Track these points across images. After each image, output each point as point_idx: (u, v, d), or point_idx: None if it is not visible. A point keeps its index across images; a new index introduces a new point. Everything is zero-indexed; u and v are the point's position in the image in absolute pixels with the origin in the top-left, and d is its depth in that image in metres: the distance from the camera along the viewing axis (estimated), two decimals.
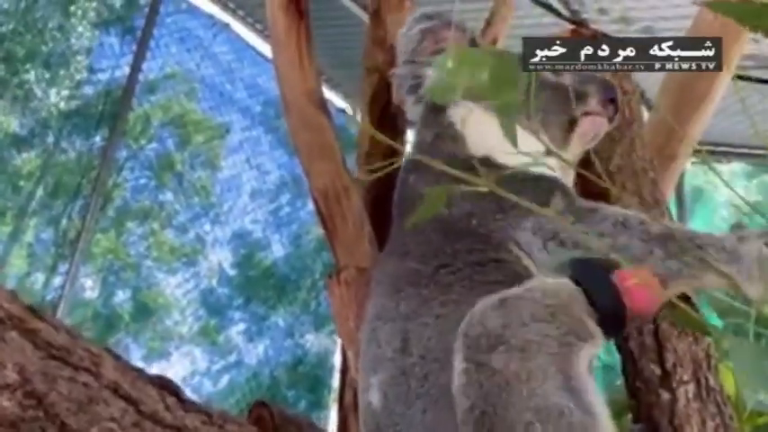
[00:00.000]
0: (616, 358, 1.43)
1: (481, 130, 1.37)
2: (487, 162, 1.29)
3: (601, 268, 1.17)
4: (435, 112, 1.46)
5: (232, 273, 4.86)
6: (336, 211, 1.89)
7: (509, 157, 1.26)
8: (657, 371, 1.35)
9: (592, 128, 1.41)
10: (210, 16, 4.08)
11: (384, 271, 1.39)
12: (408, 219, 1.33)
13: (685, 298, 1.22)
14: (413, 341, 1.24)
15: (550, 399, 1.03)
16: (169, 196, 4.58)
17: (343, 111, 4.49)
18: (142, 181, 4.43)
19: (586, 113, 1.40)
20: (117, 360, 1.01)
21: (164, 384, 1.09)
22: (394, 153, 1.96)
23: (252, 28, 4.13)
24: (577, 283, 1.15)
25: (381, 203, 1.73)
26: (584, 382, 1.07)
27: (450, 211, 1.30)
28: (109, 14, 4.07)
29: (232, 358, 4.72)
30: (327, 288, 1.72)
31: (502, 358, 1.04)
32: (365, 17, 2.68)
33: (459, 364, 1.09)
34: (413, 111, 1.55)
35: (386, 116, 1.99)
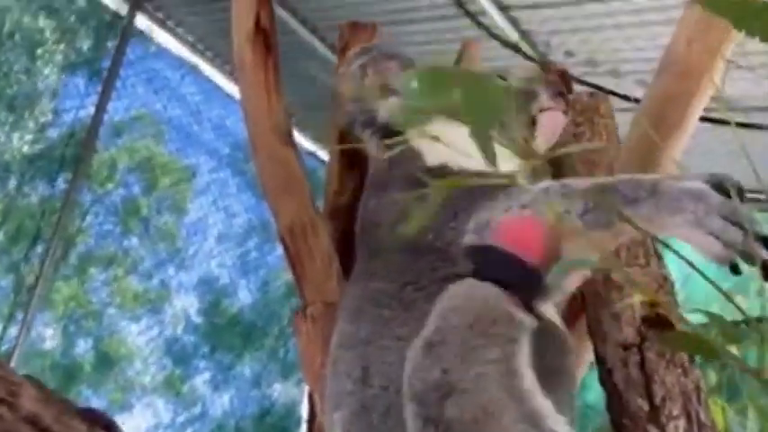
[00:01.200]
0: (598, 394, 1.36)
1: (437, 142, 1.36)
2: (444, 170, 1.28)
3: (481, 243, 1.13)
4: (392, 137, 1.44)
5: (198, 320, 4.76)
6: (304, 249, 1.83)
7: (466, 163, 1.24)
8: (645, 405, 1.27)
9: (550, 123, 1.44)
10: (178, 57, 4.04)
11: (348, 296, 1.35)
12: (372, 243, 1.29)
13: (666, 323, 1.17)
14: (373, 369, 1.18)
15: None
16: (134, 242, 4.48)
17: (312, 154, 4.45)
18: (107, 227, 4.33)
19: (541, 110, 1.44)
20: (40, 391, 0.92)
21: (95, 418, 1.00)
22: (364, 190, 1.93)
23: (220, 69, 4.09)
24: (476, 274, 1.11)
25: (350, 240, 1.68)
26: (536, 395, 1.01)
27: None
28: (76, 57, 4.02)
29: (196, 410, 4.58)
30: (293, 325, 1.65)
31: (456, 406, 0.98)
32: (336, 60, 2.66)
33: (411, 420, 1.03)
34: (371, 144, 1.54)
35: (355, 156, 1.95)
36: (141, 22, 3.90)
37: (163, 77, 4.21)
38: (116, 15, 3.89)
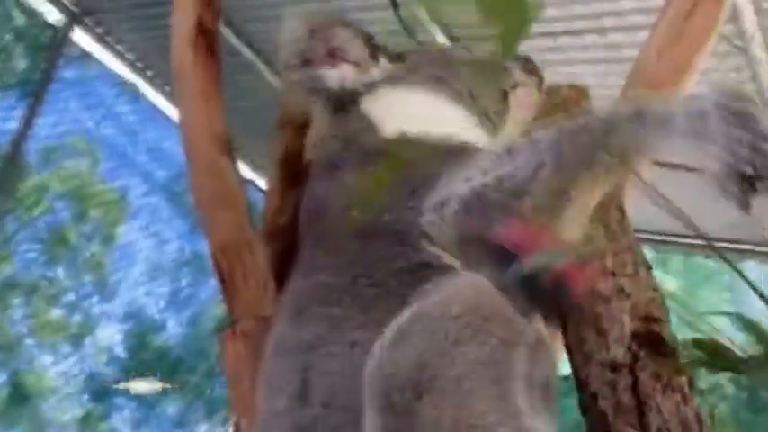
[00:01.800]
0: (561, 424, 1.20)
1: (398, 111, 1.22)
2: (404, 140, 1.13)
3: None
4: (345, 111, 1.29)
5: (122, 354, 4.58)
6: (238, 268, 1.70)
7: (428, 131, 1.12)
8: None
9: (524, 99, 1.33)
10: (116, 76, 3.87)
11: (289, 295, 1.16)
12: (319, 232, 1.14)
13: (660, 340, 1.03)
14: (315, 382, 0.97)
15: None
16: (60, 272, 4.36)
17: (251, 183, 4.30)
18: (31, 254, 4.22)
19: (514, 87, 1.33)
20: None
21: None
22: None
23: (160, 90, 3.92)
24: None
25: (288, 264, 1.56)
26: (528, 416, 0.83)
27: (362, 210, 1.10)
28: (11, 75, 3.87)
29: None
30: (219, 343, 1.49)
31: (431, 409, 0.79)
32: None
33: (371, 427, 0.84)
34: (320, 117, 1.37)
35: (297, 173, 1.85)
36: (80, 37, 3.74)
37: (99, 95, 4.06)
38: (56, 32, 3.74)
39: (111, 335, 4.51)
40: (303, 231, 1.24)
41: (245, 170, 4.23)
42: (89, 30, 3.69)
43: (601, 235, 1.19)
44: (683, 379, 1.12)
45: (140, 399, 4.52)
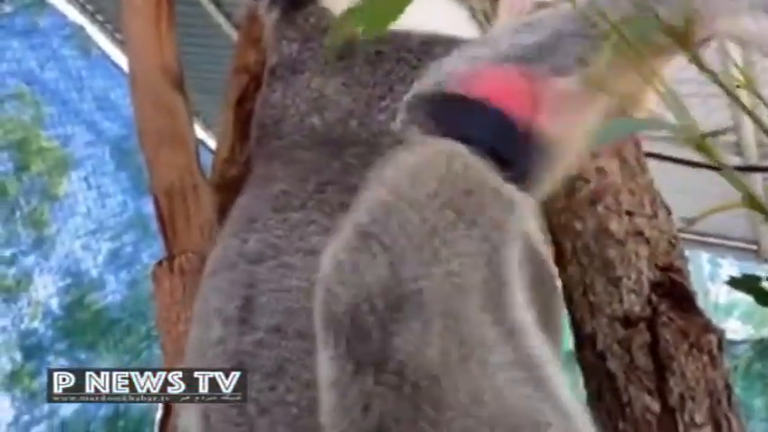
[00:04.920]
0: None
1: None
2: (383, 36, 0.92)
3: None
4: (298, 8, 1.09)
5: (58, 312, 4.40)
6: (180, 212, 1.59)
7: (408, 23, 0.94)
8: (655, 405, 0.91)
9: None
10: (64, 16, 3.65)
11: (235, 209, 0.99)
12: (274, 143, 0.98)
13: (684, 293, 0.91)
14: (261, 300, 0.79)
15: (513, 399, 0.60)
16: None
17: (202, 142, 4.14)
18: None
19: None
20: None
21: None
22: None
23: (110, 36, 3.73)
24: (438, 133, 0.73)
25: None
26: (529, 327, 0.64)
27: (323, 117, 0.92)
28: None
29: (45, 408, 4.18)
30: (154, 279, 1.36)
31: (410, 328, 0.59)
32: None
33: (325, 366, 0.63)
34: (269, 18, 1.15)
35: (251, 120, 1.75)
36: None
37: (43, 35, 3.82)
38: None
39: (48, 292, 4.36)
40: (254, 150, 1.10)
41: (196, 130, 4.07)
42: None
43: (616, 169, 1.03)
44: (713, 338, 0.95)
45: (73, 358, 4.36)
